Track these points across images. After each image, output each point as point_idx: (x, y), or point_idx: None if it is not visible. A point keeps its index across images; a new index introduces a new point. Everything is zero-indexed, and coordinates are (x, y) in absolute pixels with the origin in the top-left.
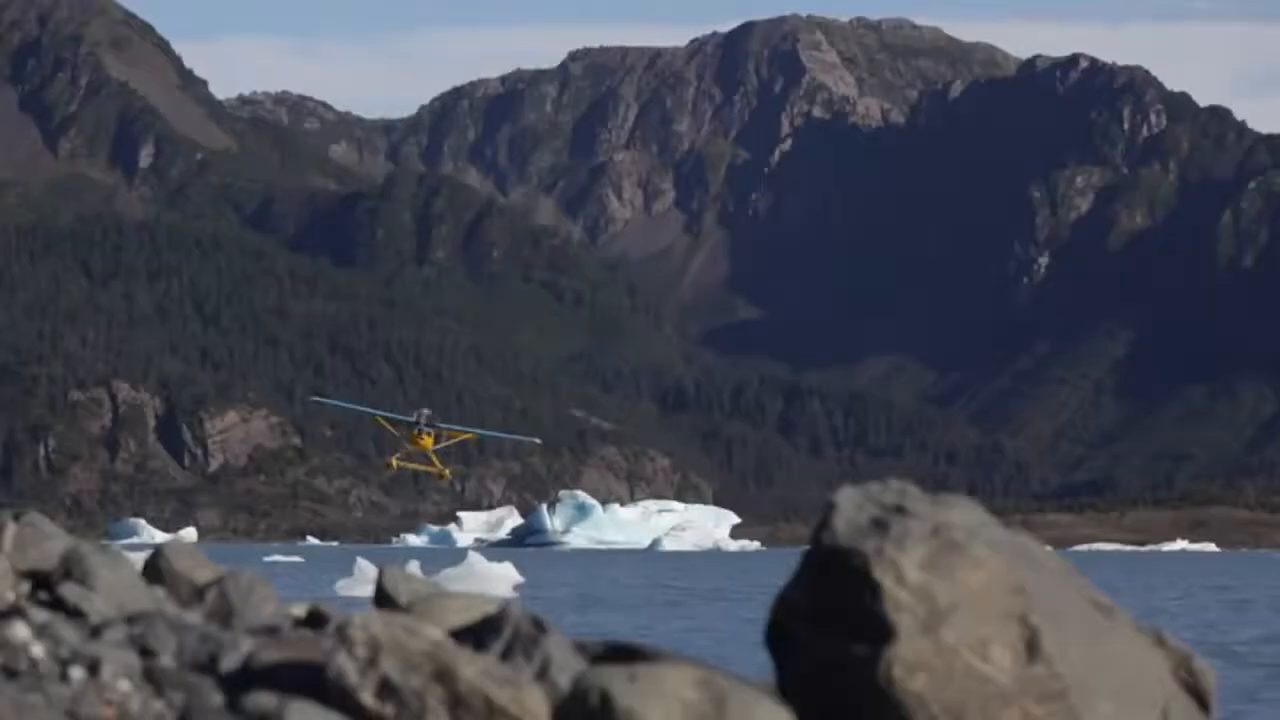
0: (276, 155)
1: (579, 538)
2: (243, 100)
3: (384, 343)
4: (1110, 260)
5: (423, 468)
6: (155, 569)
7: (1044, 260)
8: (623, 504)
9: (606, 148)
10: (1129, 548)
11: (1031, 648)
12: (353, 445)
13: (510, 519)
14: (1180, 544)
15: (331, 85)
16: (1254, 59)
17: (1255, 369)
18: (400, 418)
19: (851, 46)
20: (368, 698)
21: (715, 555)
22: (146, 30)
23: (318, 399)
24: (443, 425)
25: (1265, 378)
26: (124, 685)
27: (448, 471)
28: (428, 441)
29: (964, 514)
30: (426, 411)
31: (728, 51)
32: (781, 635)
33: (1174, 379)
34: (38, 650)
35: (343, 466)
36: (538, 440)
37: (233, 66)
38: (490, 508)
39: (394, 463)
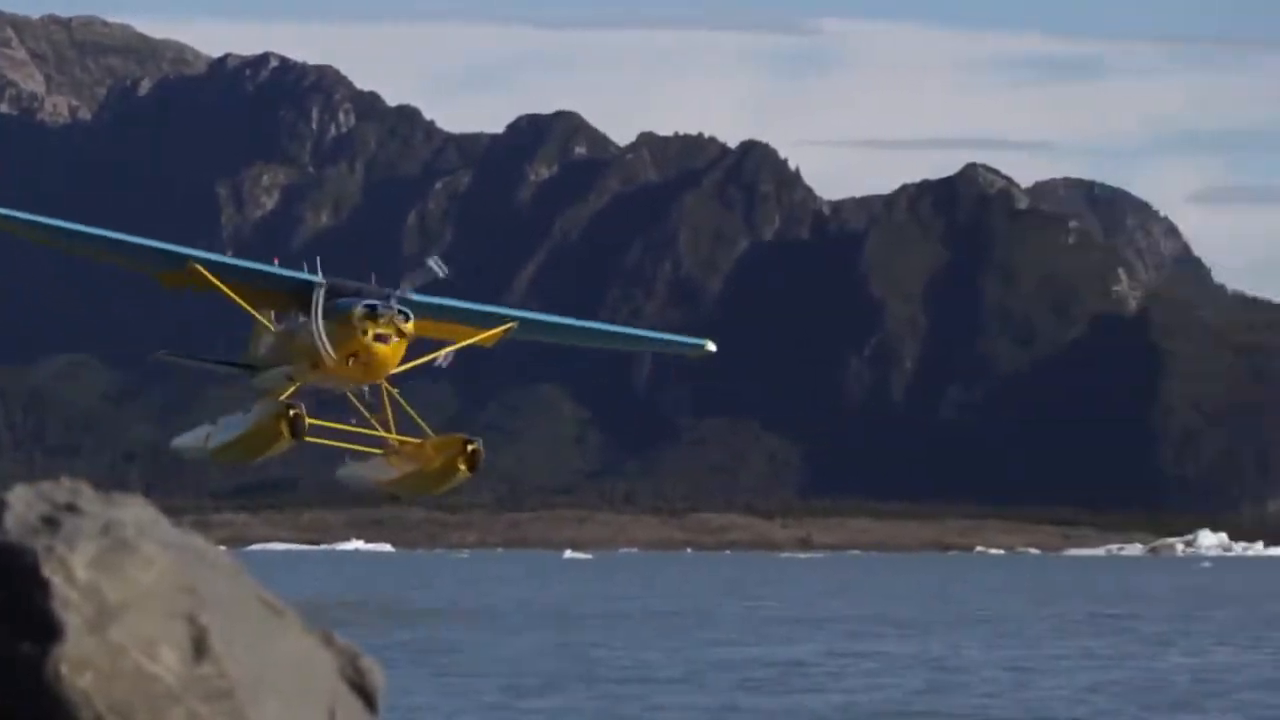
0: None
1: None
2: None
3: None
4: (289, 260)
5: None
6: None
7: (229, 257)
8: None
9: None
10: (304, 547)
11: (199, 647)
12: None
13: None
14: (355, 543)
15: None
16: (444, 59)
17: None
18: (303, 276)
19: (42, 44)
20: None
21: None
22: None
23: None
24: (421, 299)
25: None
26: None
27: (475, 446)
28: (396, 346)
29: (136, 512)
30: (436, 263)
31: None
32: None
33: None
34: None
35: None
36: (711, 346)
37: None
38: None
39: (394, 440)
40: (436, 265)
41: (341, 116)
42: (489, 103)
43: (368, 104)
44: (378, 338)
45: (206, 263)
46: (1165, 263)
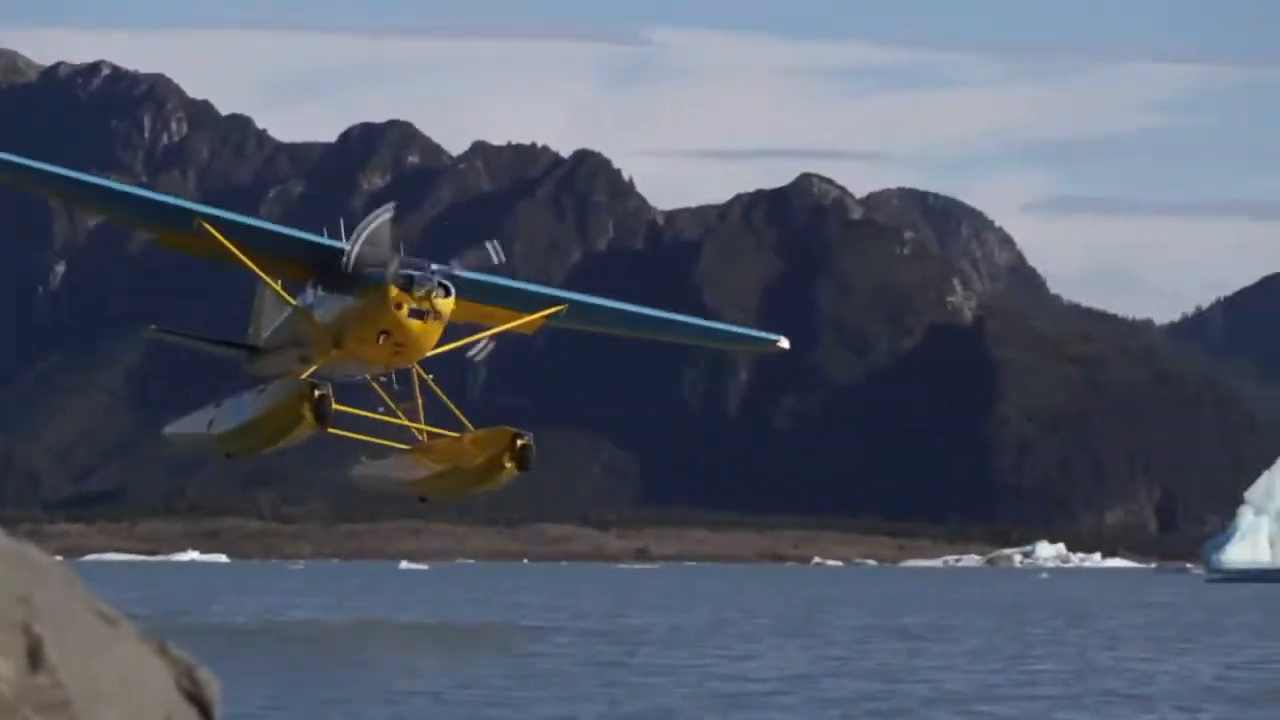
0: None
1: None
2: None
3: None
4: (127, 269)
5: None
6: None
7: (60, 268)
8: None
9: None
10: (140, 557)
11: (34, 657)
12: None
13: None
14: (191, 554)
15: None
16: (276, 67)
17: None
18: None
19: None
20: None
21: None
22: None
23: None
24: (464, 275)
25: None
26: None
27: (526, 440)
28: (433, 324)
29: None
30: (494, 248)
31: None
32: None
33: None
34: None
35: None
36: (784, 343)
37: None
38: None
39: (425, 434)
40: (494, 250)
41: (174, 125)
42: (321, 111)
43: (200, 113)
44: (413, 313)
45: (216, 220)
46: (1000, 273)
